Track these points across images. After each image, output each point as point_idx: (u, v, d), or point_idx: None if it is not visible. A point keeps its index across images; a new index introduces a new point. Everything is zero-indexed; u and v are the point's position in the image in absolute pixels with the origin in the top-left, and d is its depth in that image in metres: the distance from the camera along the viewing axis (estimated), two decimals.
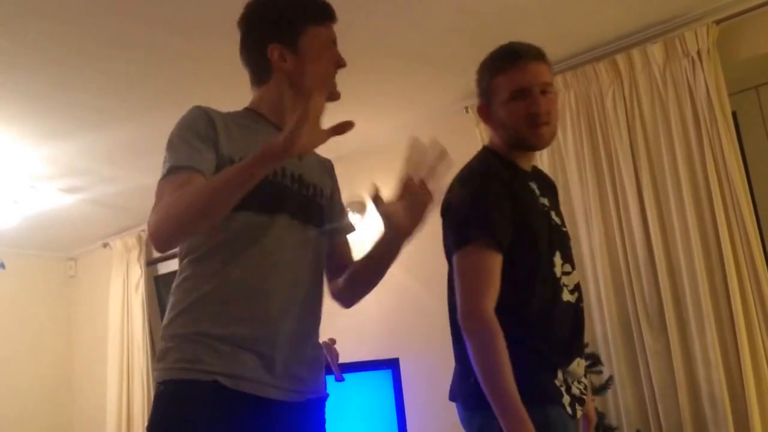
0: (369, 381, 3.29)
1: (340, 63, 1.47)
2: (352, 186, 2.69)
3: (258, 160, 1.14)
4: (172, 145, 1.33)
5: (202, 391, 1.26)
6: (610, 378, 2.82)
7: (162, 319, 1.43)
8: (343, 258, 1.59)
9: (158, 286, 5.15)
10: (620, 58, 3.09)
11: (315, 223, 1.46)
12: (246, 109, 1.49)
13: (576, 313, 1.56)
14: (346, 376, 2.88)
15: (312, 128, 1.10)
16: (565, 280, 1.55)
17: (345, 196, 1.71)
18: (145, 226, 4.63)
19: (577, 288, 1.58)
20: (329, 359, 2.76)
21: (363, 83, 3.26)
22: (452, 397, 1.59)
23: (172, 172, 1.28)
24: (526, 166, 1.65)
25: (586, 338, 2.82)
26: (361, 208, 3.78)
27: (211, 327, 1.30)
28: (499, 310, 1.42)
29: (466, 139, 3.50)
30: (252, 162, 1.14)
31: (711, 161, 2.81)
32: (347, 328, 3.12)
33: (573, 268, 1.59)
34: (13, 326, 5.26)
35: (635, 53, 3.06)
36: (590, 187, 3.13)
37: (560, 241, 1.59)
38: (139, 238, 5.07)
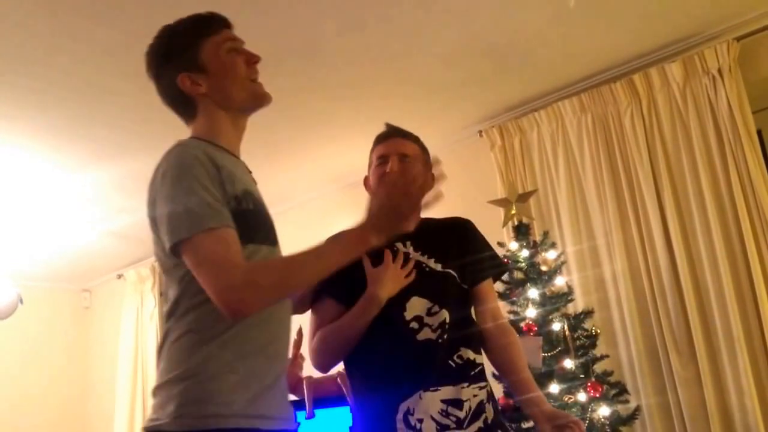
0: (339, 417, 3.02)
1: (251, 59, 1.40)
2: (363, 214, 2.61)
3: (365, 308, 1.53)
4: (190, 192, 1.22)
5: None
6: (638, 408, 2.69)
7: None
8: None
9: None
10: (637, 78, 3.03)
11: None
12: (196, 139, 1.39)
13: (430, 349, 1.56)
14: (315, 412, 2.67)
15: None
16: (427, 320, 1.57)
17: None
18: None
19: (441, 325, 1.57)
20: (306, 394, 2.57)
21: (375, 110, 3.21)
22: None
23: (212, 228, 1.19)
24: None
25: (611, 365, 2.77)
26: None
27: (236, 363, 1.22)
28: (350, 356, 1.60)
29: (480, 162, 3.44)
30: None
31: (737, 181, 2.73)
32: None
33: (442, 306, 1.59)
34: (27, 358, 5.24)
35: (653, 72, 2.99)
36: (610, 209, 3.04)
37: (422, 283, 1.60)
38: (153, 268, 5.03)
